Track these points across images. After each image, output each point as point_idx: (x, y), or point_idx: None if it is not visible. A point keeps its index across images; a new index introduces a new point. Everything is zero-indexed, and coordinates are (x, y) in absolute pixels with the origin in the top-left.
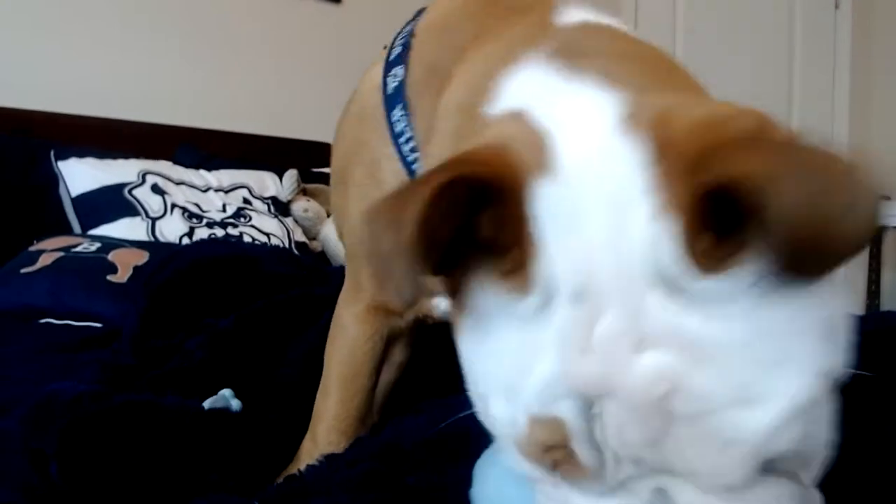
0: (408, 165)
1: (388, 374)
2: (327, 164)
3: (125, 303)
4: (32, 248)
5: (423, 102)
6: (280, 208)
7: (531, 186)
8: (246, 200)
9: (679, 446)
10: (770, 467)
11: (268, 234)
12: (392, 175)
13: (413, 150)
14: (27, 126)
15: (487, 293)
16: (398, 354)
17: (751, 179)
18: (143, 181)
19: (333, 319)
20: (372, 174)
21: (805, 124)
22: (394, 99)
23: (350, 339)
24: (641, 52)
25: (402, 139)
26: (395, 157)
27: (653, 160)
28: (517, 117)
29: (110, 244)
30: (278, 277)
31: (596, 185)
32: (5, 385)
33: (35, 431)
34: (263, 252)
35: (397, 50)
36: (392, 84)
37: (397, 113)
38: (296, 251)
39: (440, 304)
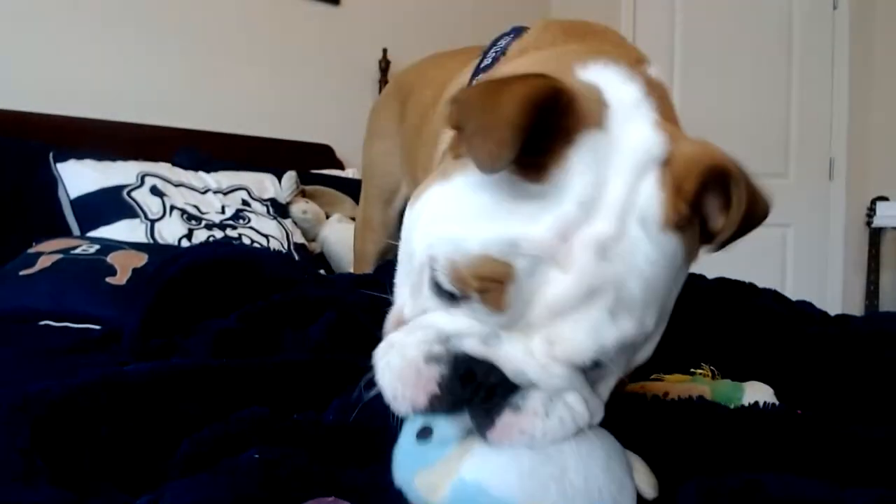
0: None
1: None
2: (326, 166)
3: (124, 305)
4: (31, 251)
5: None
6: (279, 210)
7: (586, 126)
8: (245, 202)
9: (570, 324)
10: (593, 365)
11: (267, 236)
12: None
13: None
14: (26, 128)
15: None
16: None
17: (731, 180)
18: (142, 183)
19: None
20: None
21: (804, 124)
22: None
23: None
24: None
25: None
26: None
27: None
28: (590, 86)
29: (109, 246)
30: (278, 280)
31: (627, 148)
32: (4, 387)
33: (13, 432)
34: (263, 254)
35: (488, 61)
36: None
37: None
38: (294, 253)
39: None
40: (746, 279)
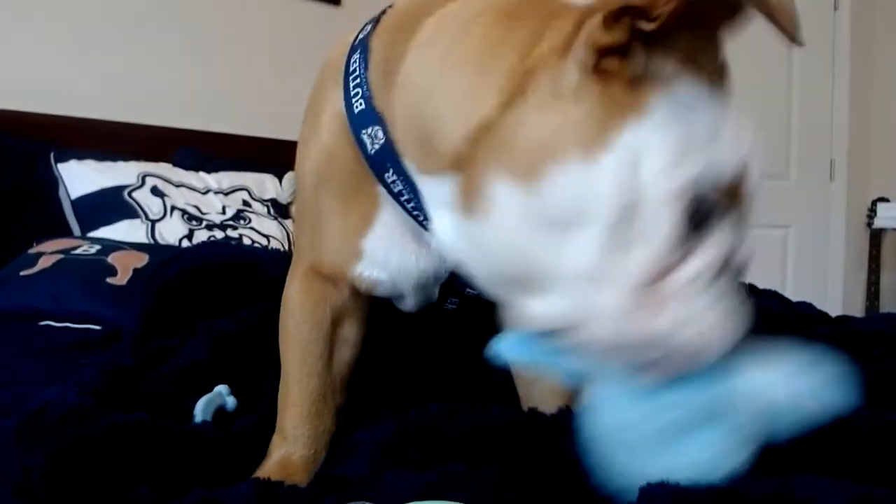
0: (349, 101)
1: (343, 353)
2: None
3: (125, 305)
4: (32, 251)
5: (383, 46)
6: (280, 210)
7: None
8: (245, 203)
9: None
10: None
11: (267, 237)
12: (330, 117)
13: (357, 86)
14: (27, 128)
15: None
16: (349, 331)
17: None
18: (143, 183)
19: (281, 303)
20: (317, 115)
21: (805, 125)
22: (354, 50)
23: (295, 311)
24: None
25: (352, 76)
26: (340, 96)
27: None
28: None
29: (110, 246)
30: (278, 281)
31: None
32: (4, 387)
33: (24, 448)
34: (263, 255)
35: (366, 29)
36: (358, 40)
37: (355, 57)
38: None
39: (364, 273)
40: (747, 280)
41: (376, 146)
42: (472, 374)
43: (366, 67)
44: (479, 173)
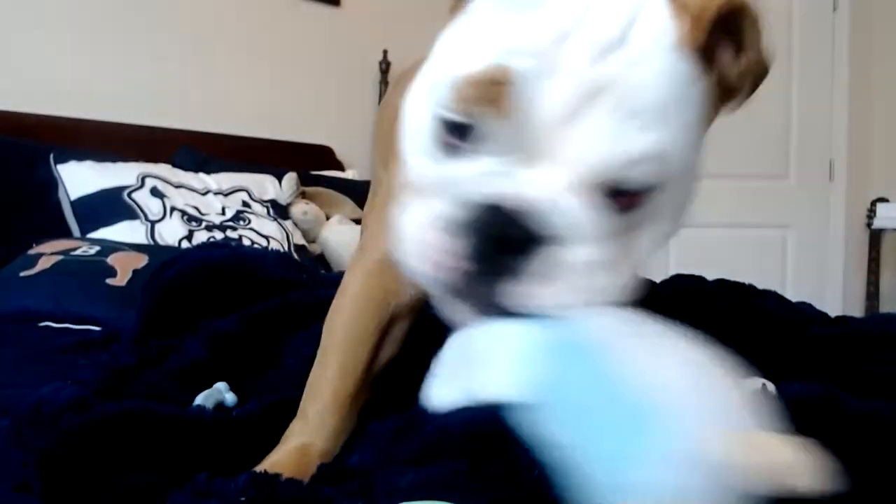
0: None
1: (385, 351)
2: (326, 167)
3: (124, 306)
4: (31, 252)
5: None
6: (279, 211)
7: None
8: (245, 203)
9: (579, 133)
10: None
11: (267, 237)
12: None
13: None
14: (26, 128)
15: None
16: (399, 330)
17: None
18: (143, 184)
19: (339, 287)
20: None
21: (804, 125)
22: None
23: (358, 301)
24: None
25: None
26: None
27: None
28: None
29: (109, 247)
30: (277, 281)
31: None
32: (4, 388)
33: (20, 443)
34: (263, 256)
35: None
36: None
37: None
38: (295, 254)
39: None
40: (746, 280)
41: None
42: None
43: None
44: None
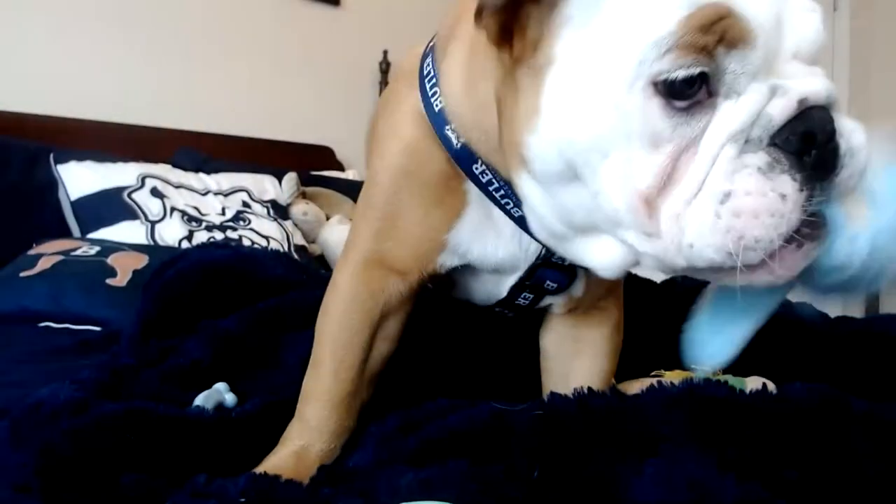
0: (427, 101)
1: (380, 348)
2: (326, 167)
3: (124, 307)
4: (32, 252)
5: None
6: (279, 211)
7: None
8: (245, 204)
9: (793, 32)
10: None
11: (267, 238)
12: (409, 117)
13: (434, 86)
14: (26, 129)
15: None
16: (392, 326)
17: None
18: (143, 185)
19: (328, 286)
20: (394, 116)
21: None
22: (426, 56)
23: (346, 299)
24: None
25: (427, 79)
26: (418, 97)
27: None
28: None
29: (110, 248)
30: (278, 281)
31: None
32: (4, 388)
33: (19, 444)
34: (263, 256)
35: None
36: (429, 48)
37: (428, 61)
38: (295, 254)
39: (446, 262)
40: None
41: (462, 140)
42: (500, 372)
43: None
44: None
